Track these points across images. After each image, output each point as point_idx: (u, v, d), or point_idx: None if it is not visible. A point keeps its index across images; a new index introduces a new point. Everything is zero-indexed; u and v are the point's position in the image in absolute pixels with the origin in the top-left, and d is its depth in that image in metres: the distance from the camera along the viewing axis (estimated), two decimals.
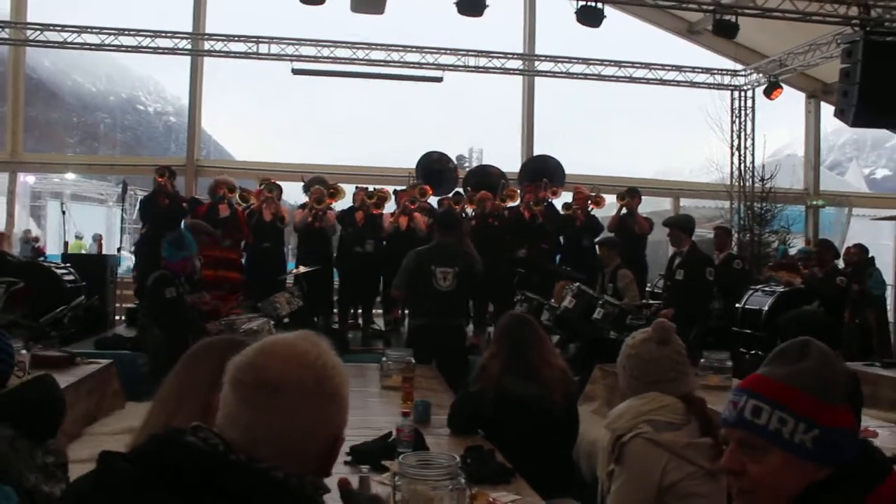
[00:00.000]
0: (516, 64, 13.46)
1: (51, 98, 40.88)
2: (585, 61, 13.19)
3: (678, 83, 13.61)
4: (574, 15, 9.88)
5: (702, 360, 4.83)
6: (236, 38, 12.30)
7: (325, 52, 12.47)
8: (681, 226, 7.16)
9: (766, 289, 8.67)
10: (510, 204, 9.64)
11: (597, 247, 8.30)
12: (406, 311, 8.11)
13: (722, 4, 10.11)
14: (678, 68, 13.48)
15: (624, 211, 9.42)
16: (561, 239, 9.56)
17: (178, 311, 5.33)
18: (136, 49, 12.15)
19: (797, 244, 13.17)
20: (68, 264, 8.62)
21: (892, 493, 1.30)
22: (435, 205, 9.79)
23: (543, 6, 14.11)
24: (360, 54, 12.60)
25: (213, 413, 1.33)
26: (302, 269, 7.82)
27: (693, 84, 13.69)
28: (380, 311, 9.62)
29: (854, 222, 16.26)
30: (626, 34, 13.86)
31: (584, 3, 9.71)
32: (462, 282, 5.81)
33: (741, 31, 10.32)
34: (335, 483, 1.50)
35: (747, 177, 13.50)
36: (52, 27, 11.85)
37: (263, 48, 12.29)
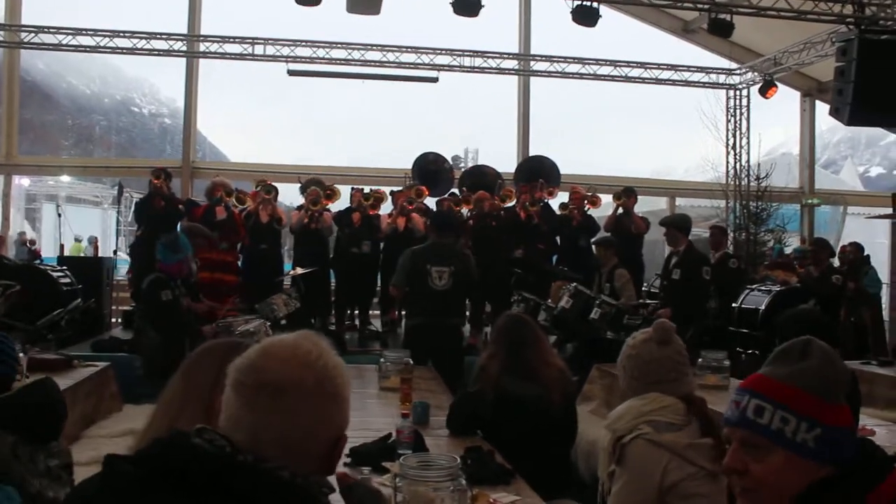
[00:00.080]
0: (512, 64, 13.47)
1: (45, 100, 40.80)
2: (581, 61, 13.21)
3: (673, 82, 13.64)
4: (569, 14, 9.88)
5: (699, 360, 4.84)
6: (232, 40, 12.29)
7: (321, 52, 12.47)
8: (677, 225, 7.17)
9: (763, 288, 8.68)
10: (507, 204, 9.64)
11: (593, 246, 8.31)
12: (403, 313, 8.11)
13: (717, 3, 10.12)
14: (673, 67, 13.51)
15: (620, 211, 9.43)
16: (557, 239, 9.56)
17: (173, 314, 5.32)
18: (132, 51, 12.15)
19: (793, 243, 13.19)
20: (64, 267, 8.59)
21: (893, 491, 1.31)
22: (433, 206, 9.79)
23: (539, 6, 14.14)
24: (356, 55, 12.60)
25: (216, 415, 1.33)
26: (299, 270, 7.82)
27: (688, 83, 13.72)
28: (377, 312, 9.61)
29: (849, 221, 16.30)
30: (621, 33, 13.86)
31: (579, 2, 9.72)
32: (458, 281, 5.81)
33: (736, 29, 10.34)
34: (334, 480, 1.50)
35: (743, 176, 13.53)
36: (46, 29, 11.83)
37: (259, 49, 12.28)
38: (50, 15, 13.53)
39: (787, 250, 12.08)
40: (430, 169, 11.83)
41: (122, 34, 11.94)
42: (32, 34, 11.85)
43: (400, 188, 9.99)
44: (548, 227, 9.37)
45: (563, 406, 3.44)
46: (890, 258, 10.32)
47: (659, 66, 13.43)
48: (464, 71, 12.96)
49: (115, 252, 11.72)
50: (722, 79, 13.84)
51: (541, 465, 3.05)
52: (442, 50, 12.71)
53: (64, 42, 11.91)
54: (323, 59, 12.53)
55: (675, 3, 10.53)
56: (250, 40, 12.26)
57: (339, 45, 12.51)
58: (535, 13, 14.14)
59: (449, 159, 12.85)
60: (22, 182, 19.24)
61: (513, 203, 9.68)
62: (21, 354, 4.03)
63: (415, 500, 2.00)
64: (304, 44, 12.36)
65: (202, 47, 12.47)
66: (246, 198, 9.01)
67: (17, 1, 12.92)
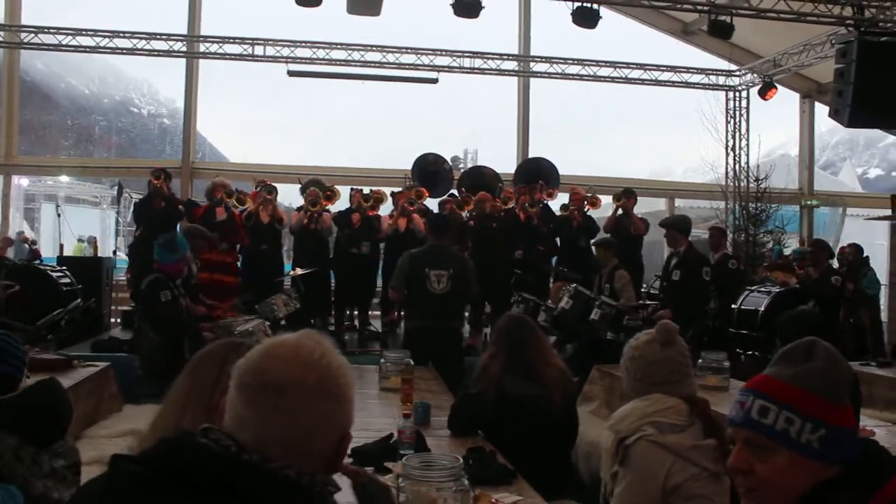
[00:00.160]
0: (511, 65, 13.48)
1: (44, 101, 40.77)
2: (580, 62, 13.22)
3: (673, 84, 13.66)
4: (570, 16, 9.89)
5: (699, 361, 4.84)
6: (232, 41, 12.29)
7: (321, 53, 12.47)
8: (677, 226, 7.18)
9: (762, 289, 8.69)
10: (508, 206, 9.64)
11: (593, 248, 8.31)
12: (402, 314, 8.11)
13: (717, 5, 10.13)
14: (673, 69, 13.53)
15: (620, 212, 9.43)
16: (557, 240, 9.57)
17: (172, 315, 5.31)
18: (132, 51, 12.15)
19: (792, 244, 13.21)
20: (64, 267, 8.59)
21: None
22: (436, 207, 9.79)
23: (539, 7, 14.16)
24: (356, 56, 12.61)
25: (219, 415, 1.34)
26: (299, 270, 7.82)
27: (688, 84, 13.74)
28: (377, 312, 9.62)
29: (848, 222, 16.32)
30: (621, 35, 13.90)
31: (579, 3, 9.73)
32: (456, 284, 5.81)
33: (736, 31, 10.35)
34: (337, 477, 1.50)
35: (742, 177, 13.54)
36: (46, 30, 11.83)
37: (259, 50, 12.29)
38: (50, 15, 13.53)
39: (787, 251, 12.10)
40: (430, 170, 11.84)
41: (121, 34, 11.94)
42: (32, 34, 11.85)
43: (400, 189, 9.99)
44: (547, 229, 9.39)
45: (563, 406, 3.44)
46: (889, 259, 10.33)
47: (659, 68, 13.44)
48: (464, 72, 12.97)
49: (114, 252, 11.72)
50: (721, 80, 13.86)
51: (541, 466, 3.06)
52: (442, 51, 12.72)
53: (64, 42, 11.92)
54: (323, 59, 12.53)
55: (675, 5, 10.54)
56: (250, 41, 12.26)
57: (339, 46, 12.52)
58: (535, 14, 14.16)
59: (448, 160, 12.86)
60: (21, 182, 19.23)
61: (513, 205, 9.68)
62: None
63: (417, 500, 2.01)
64: (304, 44, 12.37)
65: (202, 48, 12.47)
66: (246, 198, 9.01)
67: (16, 1, 12.92)
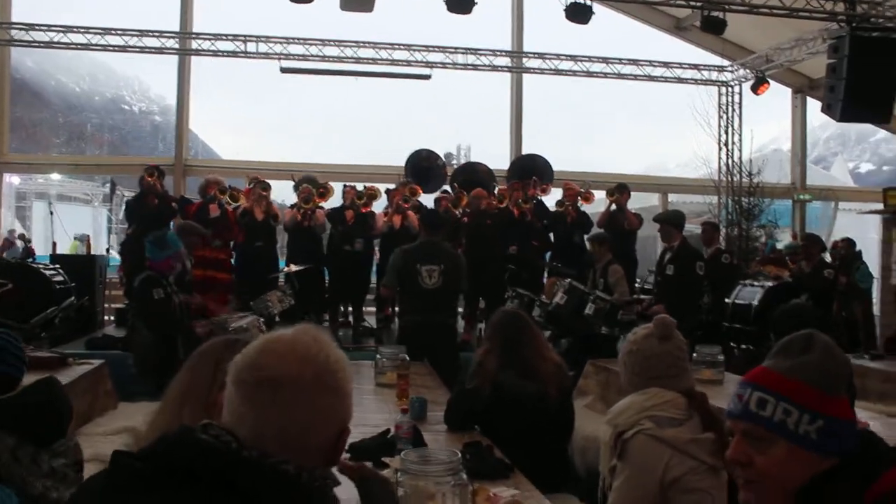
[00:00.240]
0: (504, 61, 13.47)
1: (34, 98, 40.58)
2: (573, 58, 13.22)
3: (666, 79, 13.67)
4: (562, 12, 9.91)
5: (694, 355, 4.86)
6: (224, 37, 12.25)
7: (314, 50, 12.43)
8: (671, 221, 7.20)
9: (755, 283, 8.72)
10: (503, 205, 9.64)
11: (587, 242, 8.33)
12: (396, 310, 8.12)
13: (710, 0, 10.15)
14: (666, 64, 13.54)
15: (613, 207, 9.45)
16: (551, 236, 9.58)
17: (165, 313, 5.30)
18: (123, 49, 12.09)
19: (784, 238, 13.26)
20: (57, 265, 8.56)
21: (895, 482, 1.32)
22: (431, 204, 9.79)
23: (531, 3, 14.14)
24: (349, 52, 12.57)
25: (216, 411, 1.34)
26: (294, 267, 7.81)
27: (680, 80, 13.75)
28: (371, 308, 9.62)
29: (840, 216, 16.38)
30: (614, 31, 13.90)
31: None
32: (448, 279, 5.82)
33: (728, 26, 10.38)
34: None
35: (735, 172, 13.57)
36: (37, 27, 11.76)
37: (251, 47, 12.25)
38: (40, 12, 13.45)
39: (779, 246, 12.14)
40: (423, 166, 11.84)
41: (113, 32, 11.88)
42: (23, 31, 11.78)
43: (393, 186, 9.99)
44: (541, 224, 9.40)
45: (559, 401, 3.45)
46: (881, 253, 10.38)
47: (651, 64, 13.45)
48: (457, 68, 12.96)
49: (107, 250, 11.66)
50: (714, 76, 13.88)
51: (538, 460, 3.06)
52: (435, 47, 12.70)
53: (55, 40, 11.85)
54: (316, 56, 12.49)
55: (667, 1, 10.56)
56: (243, 38, 12.22)
57: (331, 43, 12.48)
58: (527, 10, 14.16)
59: (442, 156, 12.86)
60: (12, 180, 19.15)
61: (506, 203, 9.67)
62: None
63: (416, 494, 2.01)
64: (296, 41, 12.33)
65: (194, 45, 12.43)
66: (239, 195, 8.99)
67: None
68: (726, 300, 8.49)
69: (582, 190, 9.71)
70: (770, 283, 8.52)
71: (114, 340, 7.29)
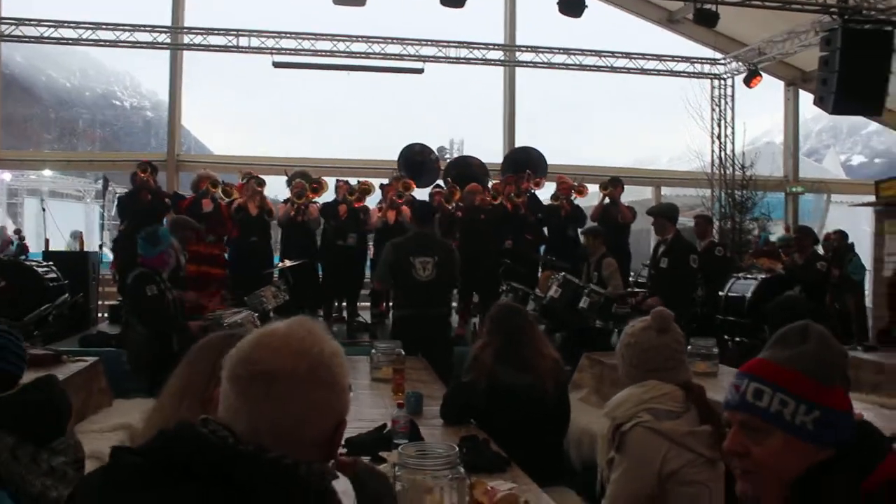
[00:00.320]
0: (497, 55, 13.47)
1: (25, 94, 40.37)
2: (566, 51, 13.23)
3: (658, 72, 13.70)
4: (555, 5, 9.89)
5: (688, 348, 4.87)
6: (216, 32, 12.21)
7: (306, 44, 12.42)
8: (665, 214, 7.20)
9: (748, 276, 8.74)
10: (497, 201, 9.63)
11: (581, 236, 8.33)
12: (390, 304, 8.12)
13: None
14: (659, 57, 13.56)
15: (607, 200, 9.46)
16: (545, 229, 9.59)
17: (159, 309, 5.29)
18: (115, 43, 12.04)
19: (777, 231, 13.30)
20: (50, 262, 8.53)
21: (891, 471, 1.33)
22: (427, 198, 9.78)
23: None
24: (342, 46, 12.55)
25: (213, 407, 1.34)
26: (287, 262, 7.80)
27: (673, 73, 13.78)
28: (365, 304, 9.61)
29: (832, 209, 16.44)
30: (606, 24, 13.93)
31: None
32: (442, 271, 5.81)
33: (721, 19, 10.39)
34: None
35: (727, 165, 13.61)
36: (27, 21, 11.69)
37: (244, 41, 12.22)
38: (30, 7, 13.36)
39: (773, 238, 12.18)
40: (416, 160, 11.82)
41: (104, 26, 11.83)
42: (13, 26, 11.71)
43: (386, 180, 9.98)
44: (535, 218, 9.40)
45: (556, 395, 3.46)
46: (873, 245, 10.42)
47: (644, 57, 13.47)
48: (449, 62, 12.95)
49: (100, 247, 11.63)
50: (706, 68, 13.91)
51: (534, 454, 3.06)
52: (427, 41, 12.69)
53: (45, 35, 11.79)
54: (308, 50, 12.47)
55: None
56: (235, 32, 12.18)
57: (324, 37, 12.46)
58: (520, 4, 14.16)
59: (435, 150, 12.85)
60: (3, 177, 19.07)
61: (499, 199, 9.67)
62: None
63: (414, 488, 2.01)
64: (289, 35, 12.30)
65: (186, 40, 12.38)
66: (232, 190, 8.96)
67: None
68: (720, 293, 8.51)
69: (575, 184, 9.71)
70: (763, 276, 8.55)
71: (108, 337, 7.27)
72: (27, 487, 1.95)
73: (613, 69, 13.50)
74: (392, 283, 6.08)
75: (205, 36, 12.24)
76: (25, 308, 6.98)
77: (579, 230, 9.01)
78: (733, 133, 13.84)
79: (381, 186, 9.61)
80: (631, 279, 9.32)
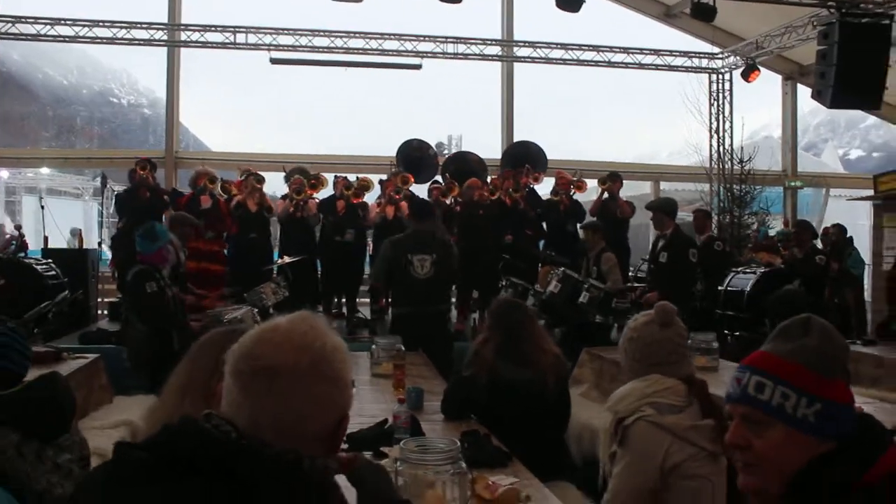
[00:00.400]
0: (495, 50, 13.45)
1: (22, 92, 40.30)
2: (564, 46, 13.21)
3: (656, 67, 13.68)
4: (553, 0, 9.89)
5: (688, 342, 4.88)
6: (213, 29, 12.18)
7: (304, 40, 12.39)
8: (664, 209, 7.19)
9: (748, 270, 8.76)
10: (496, 196, 9.63)
11: (581, 231, 8.34)
12: (389, 300, 8.12)
13: None
14: (656, 52, 13.55)
15: (606, 195, 9.46)
16: (544, 224, 9.60)
17: (159, 306, 5.29)
18: (112, 41, 12.01)
19: (776, 225, 13.30)
20: (49, 260, 8.53)
21: (894, 463, 1.33)
22: (422, 193, 9.79)
23: None
24: (339, 42, 12.53)
25: (216, 402, 1.34)
26: (287, 259, 7.80)
27: (671, 68, 13.76)
28: (365, 300, 9.62)
29: (831, 203, 16.45)
30: (604, 19, 13.90)
31: None
32: (440, 269, 5.80)
33: (718, 13, 10.38)
34: None
35: (726, 159, 13.60)
36: (24, 19, 11.66)
37: (241, 38, 12.19)
38: (27, 4, 13.32)
39: (771, 233, 12.19)
40: (415, 155, 11.82)
41: (101, 24, 11.80)
42: (10, 24, 11.68)
43: (385, 176, 9.98)
44: (535, 213, 9.41)
45: (556, 390, 3.46)
46: (871, 240, 10.43)
47: (642, 51, 13.46)
48: (447, 58, 12.93)
49: (99, 244, 11.62)
50: (705, 63, 13.90)
51: (535, 449, 3.07)
52: (425, 37, 12.67)
53: (42, 32, 11.76)
54: (306, 47, 12.44)
55: None
56: (232, 29, 12.16)
57: (321, 33, 12.43)
58: None
59: (433, 146, 12.84)
60: (1, 175, 19.05)
61: (498, 194, 9.67)
62: None
63: (416, 483, 2.02)
64: (286, 32, 12.28)
65: (183, 37, 12.35)
66: (231, 187, 8.96)
67: None
68: (719, 287, 8.52)
69: (574, 179, 9.72)
70: (762, 270, 8.56)
71: (108, 334, 7.27)
72: (32, 484, 1.96)
73: (611, 64, 13.50)
74: (387, 282, 6.07)
75: (202, 33, 12.21)
76: (25, 306, 6.97)
77: (578, 225, 9.02)
78: (731, 127, 13.84)
79: (380, 182, 9.61)
80: (630, 274, 9.32)
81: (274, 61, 12.39)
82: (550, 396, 3.41)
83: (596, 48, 13.26)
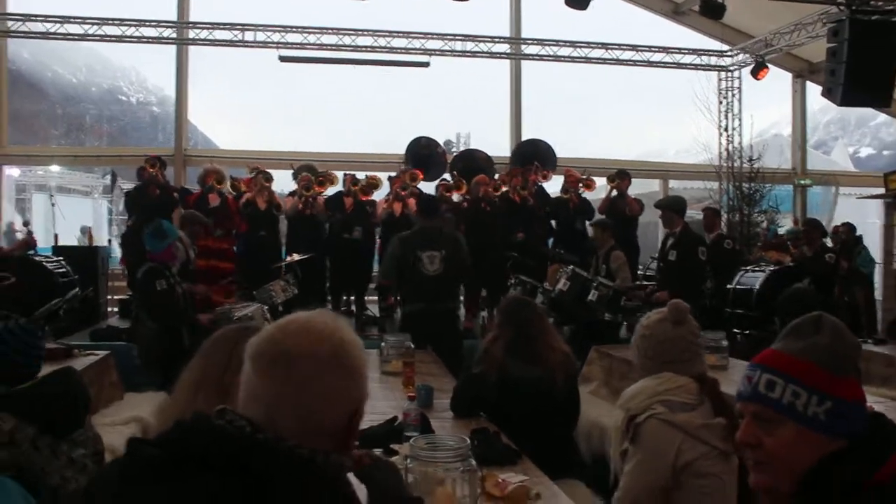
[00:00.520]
0: (503, 48, 13.43)
1: (32, 90, 40.39)
2: (572, 44, 13.18)
3: (665, 65, 13.65)
4: None
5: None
6: (222, 27, 12.21)
7: (312, 38, 12.40)
8: (673, 207, 7.18)
9: (757, 268, 8.73)
10: (503, 189, 9.62)
11: (590, 228, 8.33)
12: (398, 298, 8.13)
13: None
14: (665, 50, 13.50)
15: (614, 193, 9.45)
16: (553, 222, 9.59)
17: (169, 304, 5.31)
18: (121, 39, 12.05)
19: (786, 224, 13.25)
20: (60, 257, 8.56)
21: None
22: (432, 190, 9.79)
23: None
24: (347, 40, 12.53)
25: (230, 396, 1.36)
26: (296, 256, 7.82)
27: (680, 65, 13.72)
28: (373, 297, 9.62)
29: (841, 201, 16.37)
30: (612, 16, 13.84)
31: None
32: (450, 265, 5.80)
33: (728, 11, 10.34)
34: None
35: (735, 157, 13.55)
36: (33, 17, 11.72)
37: (249, 36, 12.22)
38: (36, 2, 13.37)
39: (781, 231, 12.14)
40: (423, 153, 11.84)
41: (110, 22, 11.85)
42: (20, 22, 11.74)
43: (394, 173, 9.99)
44: (543, 211, 9.40)
45: (566, 388, 3.47)
46: (882, 238, 10.39)
47: (650, 49, 13.42)
48: (455, 55, 12.93)
49: (109, 241, 11.68)
50: (713, 61, 13.84)
51: (544, 447, 3.07)
52: (433, 34, 12.66)
53: (52, 30, 11.81)
54: (314, 45, 12.45)
55: None
56: (240, 27, 12.18)
57: (330, 31, 12.44)
58: None
59: (441, 144, 12.85)
60: (12, 172, 19.10)
61: (506, 189, 9.67)
62: None
63: (426, 480, 2.02)
64: (294, 30, 12.29)
65: (192, 34, 12.39)
66: (240, 184, 8.98)
67: None
68: (728, 286, 8.49)
69: (584, 177, 9.71)
70: (772, 268, 8.53)
71: (118, 331, 7.31)
72: (47, 479, 1.98)
73: (620, 62, 13.46)
74: (397, 278, 6.07)
75: (210, 30, 12.25)
76: (36, 303, 7.00)
77: (587, 223, 9.00)
78: (741, 125, 13.78)
79: (389, 178, 9.62)
80: (640, 272, 9.31)
81: (282, 59, 12.40)
82: (560, 394, 3.42)
83: (604, 46, 13.22)
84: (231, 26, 12.19)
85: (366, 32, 12.55)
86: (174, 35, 12.35)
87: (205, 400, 1.67)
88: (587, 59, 13.34)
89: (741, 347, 6.91)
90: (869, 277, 9.86)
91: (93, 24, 11.81)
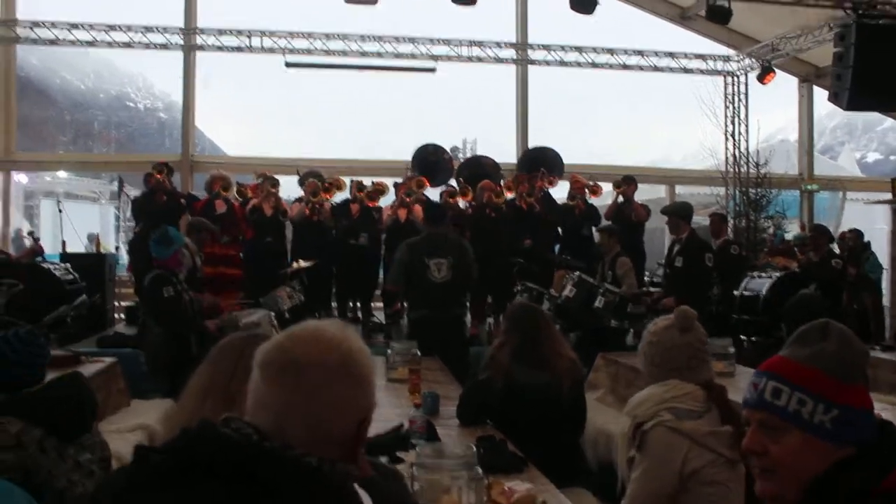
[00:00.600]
0: (509, 53, 13.44)
1: (40, 96, 40.54)
2: (579, 49, 13.19)
3: (671, 70, 13.62)
4: (567, 3, 9.88)
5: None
6: (229, 33, 12.27)
7: (319, 44, 12.43)
8: (679, 213, 7.18)
9: (763, 274, 8.71)
10: (508, 196, 9.62)
11: (597, 234, 8.31)
12: (405, 305, 8.13)
13: None
14: (671, 55, 13.49)
15: (621, 199, 9.43)
16: (559, 229, 9.57)
17: (176, 311, 5.32)
18: (128, 45, 12.12)
19: (792, 229, 13.19)
20: (67, 264, 8.59)
21: None
22: (437, 197, 9.79)
23: None
24: (354, 46, 12.56)
25: (237, 404, 1.36)
26: (303, 263, 7.82)
27: (686, 70, 13.69)
28: (380, 304, 9.62)
29: (848, 206, 16.28)
30: (618, 21, 13.83)
31: None
32: (457, 272, 5.80)
33: (734, 16, 10.33)
34: None
35: (742, 163, 13.52)
36: (42, 24, 11.79)
37: (256, 41, 12.26)
38: (45, 9, 13.45)
39: (788, 237, 12.10)
40: (430, 160, 11.83)
41: (118, 28, 11.91)
42: (28, 29, 11.81)
43: (400, 180, 9.99)
44: (549, 217, 9.38)
45: (572, 395, 3.46)
46: (890, 244, 10.34)
47: (657, 54, 13.41)
48: (462, 61, 12.93)
49: (116, 248, 11.71)
50: (720, 65, 13.82)
51: (550, 454, 3.07)
52: (439, 40, 12.68)
53: (60, 37, 11.88)
54: (320, 50, 12.49)
55: None
56: (247, 33, 12.23)
57: (336, 36, 12.47)
58: (532, 2, 14.06)
59: (448, 150, 12.85)
60: (20, 179, 19.19)
61: (512, 196, 9.67)
62: None
63: (431, 488, 2.02)
64: (301, 35, 12.33)
65: (199, 41, 12.44)
66: (247, 191, 9.00)
67: None
68: (735, 292, 8.47)
69: (590, 183, 9.69)
70: (778, 274, 8.51)
71: (125, 338, 7.33)
72: (53, 482, 1.98)
73: (626, 67, 13.45)
74: (404, 284, 6.07)
75: (217, 37, 12.30)
76: (43, 310, 7.02)
77: (594, 229, 8.99)
78: (747, 130, 13.74)
79: (395, 185, 9.63)
80: (646, 278, 9.28)
81: (289, 65, 12.43)
82: (566, 401, 3.41)
83: (610, 51, 13.22)
84: (238, 32, 12.24)
85: (372, 38, 12.57)
86: (181, 41, 12.40)
87: (212, 407, 1.67)
88: (593, 64, 13.34)
89: (748, 354, 6.88)
90: (877, 283, 9.81)
91: (101, 30, 11.87)
